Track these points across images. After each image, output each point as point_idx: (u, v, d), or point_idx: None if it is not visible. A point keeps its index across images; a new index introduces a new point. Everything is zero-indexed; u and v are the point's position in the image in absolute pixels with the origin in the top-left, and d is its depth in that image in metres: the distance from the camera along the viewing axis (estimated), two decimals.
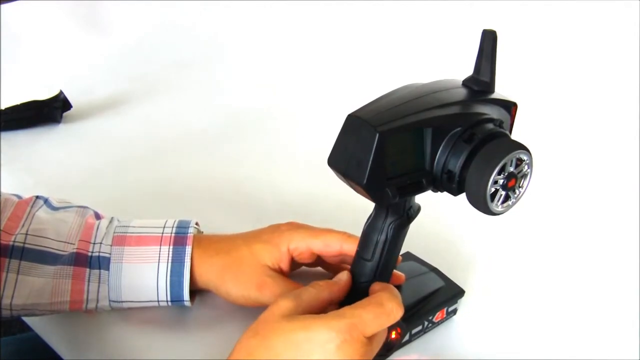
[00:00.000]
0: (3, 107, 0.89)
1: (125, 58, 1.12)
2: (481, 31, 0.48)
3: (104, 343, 0.59)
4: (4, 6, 1.17)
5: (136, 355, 0.56)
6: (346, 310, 0.46)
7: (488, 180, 0.46)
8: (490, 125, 0.48)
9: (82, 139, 0.89)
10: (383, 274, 0.53)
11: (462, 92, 0.49)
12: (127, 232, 0.58)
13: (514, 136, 0.50)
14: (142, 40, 1.18)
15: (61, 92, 0.91)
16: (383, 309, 0.47)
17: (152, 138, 0.89)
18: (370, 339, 0.46)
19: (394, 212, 0.51)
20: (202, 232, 0.62)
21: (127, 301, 0.57)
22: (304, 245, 0.58)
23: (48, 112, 0.90)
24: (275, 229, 0.59)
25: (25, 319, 0.66)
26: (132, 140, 0.89)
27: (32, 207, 0.59)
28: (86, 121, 0.93)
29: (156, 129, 0.92)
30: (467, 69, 0.50)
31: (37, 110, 0.90)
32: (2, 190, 0.61)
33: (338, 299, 0.51)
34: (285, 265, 0.58)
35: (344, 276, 0.52)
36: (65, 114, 0.92)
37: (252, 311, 0.59)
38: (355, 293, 0.54)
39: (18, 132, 0.89)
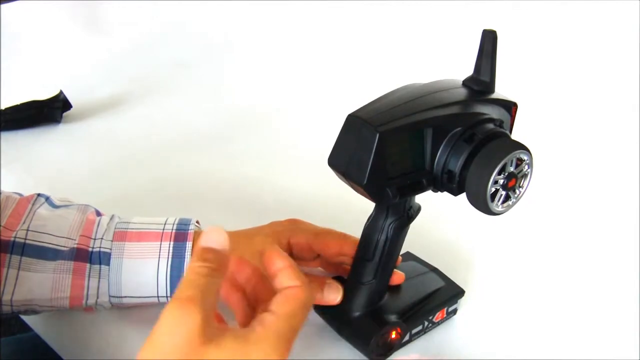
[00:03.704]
0: (3, 107, 0.89)
1: (125, 58, 1.12)
2: (481, 31, 0.48)
3: (104, 343, 0.59)
4: (4, 6, 1.17)
5: (136, 355, 0.56)
6: (266, 325, 0.39)
7: (488, 180, 0.46)
8: (491, 125, 0.48)
9: (82, 139, 0.89)
10: (383, 273, 0.53)
11: (462, 92, 0.49)
12: (128, 228, 0.58)
13: (514, 136, 0.50)
14: (142, 40, 1.18)
15: (61, 92, 0.91)
16: (295, 306, 0.41)
17: (152, 138, 0.89)
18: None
19: (394, 212, 0.51)
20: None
21: (127, 297, 0.57)
22: (304, 242, 0.58)
23: (48, 112, 0.90)
24: (278, 224, 0.60)
25: (25, 318, 0.66)
26: (132, 140, 0.89)
27: (33, 204, 0.60)
28: (86, 121, 0.93)
29: (156, 129, 0.92)
30: (467, 69, 0.50)
31: (37, 110, 0.90)
32: (3, 190, 0.61)
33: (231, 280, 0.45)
34: None
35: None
36: (65, 114, 0.92)
37: None
38: (356, 293, 0.54)
39: (18, 132, 0.89)
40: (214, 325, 0.38)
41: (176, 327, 0.37)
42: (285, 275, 0.42)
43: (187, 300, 0.38)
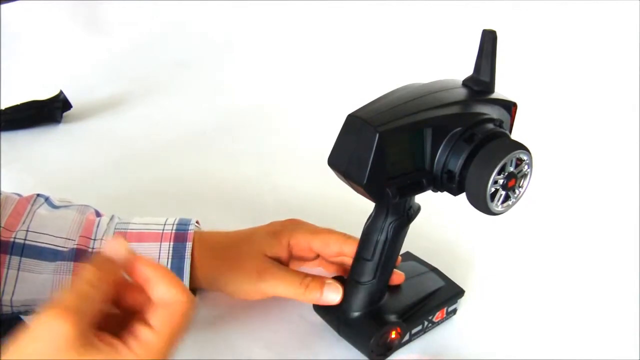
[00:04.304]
0: (3, 107, 0.89)
1: (125, 58, 1.12)
2: (481, 31, 0.48)
3: None
4: (4, 6, 1.17)
5: None
6: (144, 344, 0.37)
7: (488, 180, 0.46)
8: (490, 125, 0.48)
9: (82, 139, 0.89)
10: (383, 273, 0.53)
11: (462, 92, 0.49)
12: (127, 229, 0.58)
13: (514, 136, 0.50)
14: (142, 40, 1.18)
15: (61, 92, 0.91)
16: (180, 323, 0.39)
17: (152, 138, 0.89)
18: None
19: (394, 212, 0.51)
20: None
21: None
22: (304, 242, 0.58)
23: (48, 112, 0.90)
24: (278, 224, 0.60)
25: (25, 318, 0.66)
26: (132, 140, 0.89)
27: (32, 204, 0.60)
28: (86, 121, 0.93)
29: (156, 129, 0.92)
30: (467, 69, 0.50)
31: (37, 110, 0.90)
32: (2, 190, 0.61)
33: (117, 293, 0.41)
34: (284, 258, 0.58)
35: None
36: (65, 114, 0.92)
37: (252, 311, 0.59)
38: (355, 293, 0.54)
39: (18, 132, 0.89)
40: (88, 338, 0.36)
41: (46, 335, 0.35)
42: (163, 285, 0.39)
43: (64, 310, 0.36)
